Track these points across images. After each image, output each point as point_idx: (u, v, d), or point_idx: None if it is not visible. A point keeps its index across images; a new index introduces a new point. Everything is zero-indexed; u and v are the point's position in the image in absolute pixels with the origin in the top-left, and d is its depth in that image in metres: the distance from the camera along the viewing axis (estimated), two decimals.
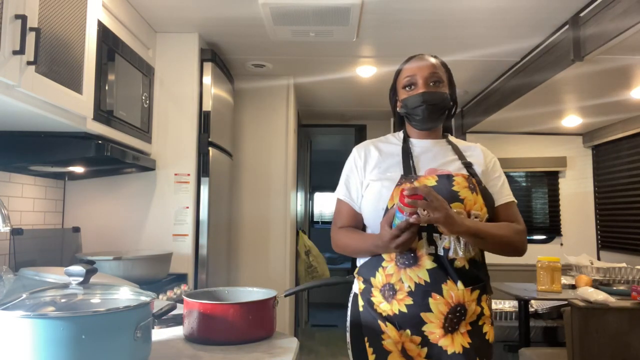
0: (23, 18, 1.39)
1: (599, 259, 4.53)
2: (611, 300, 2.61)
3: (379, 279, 1.34)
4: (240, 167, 3.74)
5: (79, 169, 2.29)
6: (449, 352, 1.28)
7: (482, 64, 3.37)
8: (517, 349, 3.05)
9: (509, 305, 3.61)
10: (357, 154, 1.49)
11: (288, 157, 3.80)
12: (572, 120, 4.15)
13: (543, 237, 4.90)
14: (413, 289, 1.28)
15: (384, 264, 1.33)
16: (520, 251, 1.40)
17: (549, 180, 4.92)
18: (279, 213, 3.75)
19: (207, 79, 2.83)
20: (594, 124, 4.36)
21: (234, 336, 1.18)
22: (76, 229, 2.58)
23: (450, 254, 1.29)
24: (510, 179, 4.96)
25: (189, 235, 2.68)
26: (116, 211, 2.67)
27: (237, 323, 1.18)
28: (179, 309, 1.38)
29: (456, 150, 1.45)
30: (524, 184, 5.01)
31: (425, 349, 1.29)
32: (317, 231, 6.98)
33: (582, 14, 2.49)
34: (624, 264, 3.23)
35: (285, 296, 1.36)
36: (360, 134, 5.36)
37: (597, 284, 3.03)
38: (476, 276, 1.32)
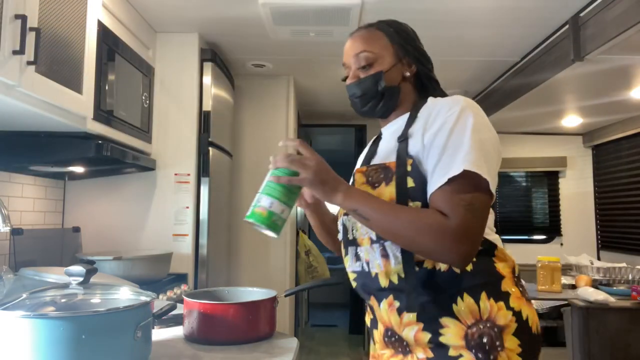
0: (23, 18, 1.39)
1: (599, 259, 4.53)
2: (611, 300, 2.61)
3: None
4: (240, 167, 3.74)
5: (79, 169, 2.29)
6: None
7: (482, 64, 3.37)
8: None
9: None
10: None
11: None
12: (572, 120, 4.15)
13: (543, 237, 4.90)
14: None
15: None
16: (434, 256, 0.97)
17: (549, 180, 4.92)
18: None
19: (207, 79, 2.83)
20: (594, 124, 4.36)
21: (234, 336, 1.18)
22: (76, 229, 2.58)
23: (372, 269, 1.06)
24: (510, 178, 4.97)
25: (189, 235, 2.68)
26: (116, 211, 2.67)
27: (237, 323, 1.18)
28: (179, 309, 1.38)
29: (410, 122, 1.10)
30: (524, 184, 5.01)
31: None
32: None
33: (582, 14, 2.49)
34: (624, 264, 3.22)
35: (285, 296, 1.35)
36: (360, 134, 5.36)
37: (597, 284, 3.03)
38: (406, 296, 1.02)
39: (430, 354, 1.01)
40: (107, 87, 2.06)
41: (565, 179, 4.85)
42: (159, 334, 1.28)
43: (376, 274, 1.05)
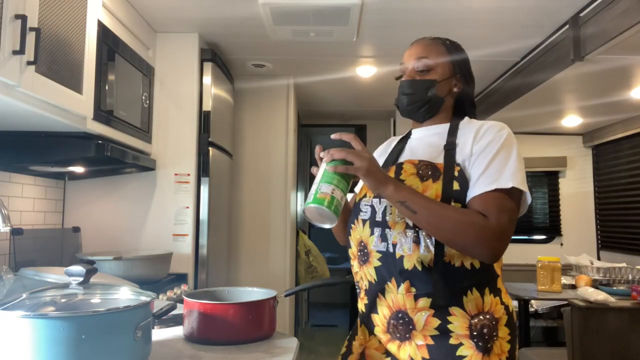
0: (23, 18, 1.39)
1: (599, 259, 4.53)
2: (611, 300, 2.61)
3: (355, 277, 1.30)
4: (240, 167, 3.74)
5: (79, 169, 2.29)
6: None
7: (482, 64, 3.36)
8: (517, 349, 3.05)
9: None
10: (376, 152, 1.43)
11: (288, 157, 3.80)
12: (572, 120, 4.15)
13: (543, 237, 4.90)
14: (368, 288, 1.20)
15: (351, 261, 1.28)
16: (470, 250, 1.07)
17: (549, 180, 4.92)
18: (279, 213, 3.75)
19: (207, 79, 2.83)
20: (594, 124, 4.36)
21: (234, 336, 1.18)
22: (76, 229, 2.58)
23: (398, 250, 1.13)
24: None
25: (189, 235, 2.68)
26: (116, 211, 2.67)
27: (237, 323, 1.18)
28: (179, 309, 1.38)
29: (452, 133, 1.23)
30: None
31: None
32: (317, 231, 6.98)
33: (582, 14, 2.49)
34: (624, 264, 3.23)
35: (285, 296, 1.35)
36: (360, 134, 5.36)
37: (597, 284, 3.03)
38: (428, 282, 1.11)
39: (431, 341, 1.11)
40: (107, 87, 2.06)
41: (565, 179, 4.84)
42: (159, 334, 1.28)
43: (401, 257, 1.12)
